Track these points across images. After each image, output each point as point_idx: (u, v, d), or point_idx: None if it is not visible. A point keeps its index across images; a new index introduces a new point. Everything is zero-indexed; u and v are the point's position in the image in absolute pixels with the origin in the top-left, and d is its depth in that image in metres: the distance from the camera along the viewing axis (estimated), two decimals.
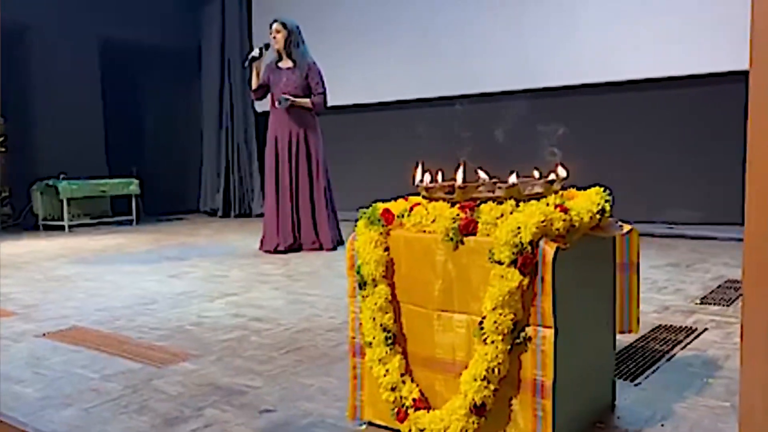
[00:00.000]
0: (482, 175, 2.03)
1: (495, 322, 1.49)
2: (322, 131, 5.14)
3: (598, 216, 1.66)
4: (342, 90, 6.98)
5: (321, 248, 4.99)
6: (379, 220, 1.71)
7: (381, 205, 1.76)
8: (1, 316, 3.13)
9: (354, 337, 1.77)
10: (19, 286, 3.90)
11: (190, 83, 8.64)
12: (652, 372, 2.17)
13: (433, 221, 1.64)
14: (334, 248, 4.97)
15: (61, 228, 6.85)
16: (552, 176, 1.70)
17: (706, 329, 2.67)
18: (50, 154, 7.19)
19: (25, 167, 7.27)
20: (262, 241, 5.11)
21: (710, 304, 3.11)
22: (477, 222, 1.58)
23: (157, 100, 8.60)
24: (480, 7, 6.25)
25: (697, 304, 3.12)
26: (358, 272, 1.70)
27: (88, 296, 3.56)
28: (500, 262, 1.50)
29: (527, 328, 1.51)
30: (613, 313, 1.86)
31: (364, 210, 1.73)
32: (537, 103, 6.09)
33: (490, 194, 1.64)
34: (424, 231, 1.66)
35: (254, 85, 5.08)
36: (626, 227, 1.82)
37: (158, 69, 8.50)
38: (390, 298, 1.70)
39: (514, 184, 1.62)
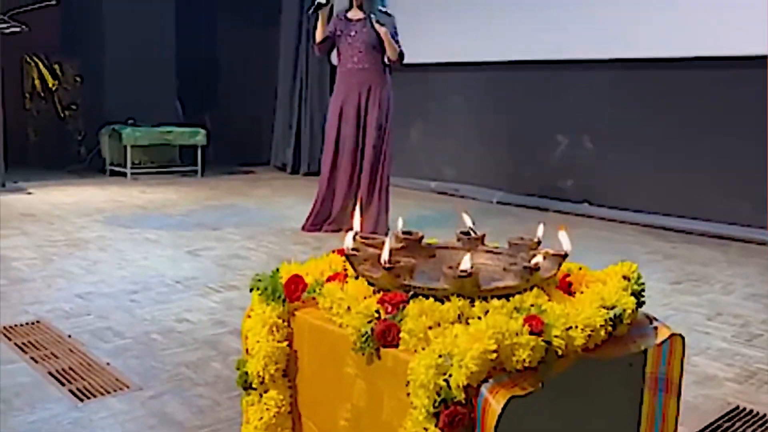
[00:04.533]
0: (467, 220, 1.43)
1: None
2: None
3: (605, 331, 1.04)
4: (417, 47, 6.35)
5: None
6: (279, 296, 1.17)
7: (289, 269, 1.21)
8: None
9: None
10: (31, 248, 3.68)
11: (269, 28, 8.20)
12: None
13: (348, 310, 1.09)
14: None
15: (124, 174, 6.72)
16: (538, 258, 1.09)
17: None
18: (120, 97, 7.03)
19: (97, 109, 7.18)
20: (307, 220, 4.52)
21: None
22: (399, 329, 1.01)
23: (233, 44, 8.24)
24: None
25: None
26: (238, 368, 1.18)
27: (84, 272, 3.26)
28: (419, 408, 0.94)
29: None
30: None
31: (260, 277, 1.19)
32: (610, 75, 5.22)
33: (431, 285, 1.06)
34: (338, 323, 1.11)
35: (319, 37, 4.37)
36: (663, 332, 1.18)
37: (236, 11, 8.10)
38: (287, 407, 1.18)
39: (465, 273, 1.02)
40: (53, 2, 4.85)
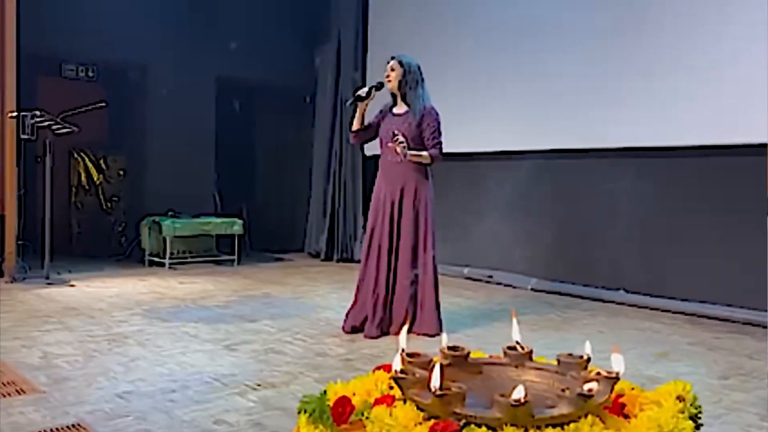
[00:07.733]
0: (515, 331, 1.43)
1: None
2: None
3: None
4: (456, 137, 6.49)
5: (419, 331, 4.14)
6: (327, 418, 1.17)
7: (336, 389, 1.22)
8: (26, 392, 2.91)
9: None
10: (73, 344, 3.73)
11: (303, 122, 8.51)
12: None
13: None
14: (437, 334, 4.10)
15: (163, 265, 6.85)
16: (592, 384, 1.08)
17: None
18: (161, 190, 7.28)
19: (138, 201, 7.42)
20: (347, 314, 4.30)
21: None
22: None
23: (270, 138, 8.56)
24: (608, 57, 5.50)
25: None
26: None
27: (124, 369, 3.28)
28: None
29: None
30: None
31: (308, 399, 1.20)
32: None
33: (484, 414, 1.05)
34: None
35: (356, 126, 4.36)
36: None
37: (273, 107, 8.45)
38: None
39: (519, 402, 1.02)
40: (103, 104, 5.12)
